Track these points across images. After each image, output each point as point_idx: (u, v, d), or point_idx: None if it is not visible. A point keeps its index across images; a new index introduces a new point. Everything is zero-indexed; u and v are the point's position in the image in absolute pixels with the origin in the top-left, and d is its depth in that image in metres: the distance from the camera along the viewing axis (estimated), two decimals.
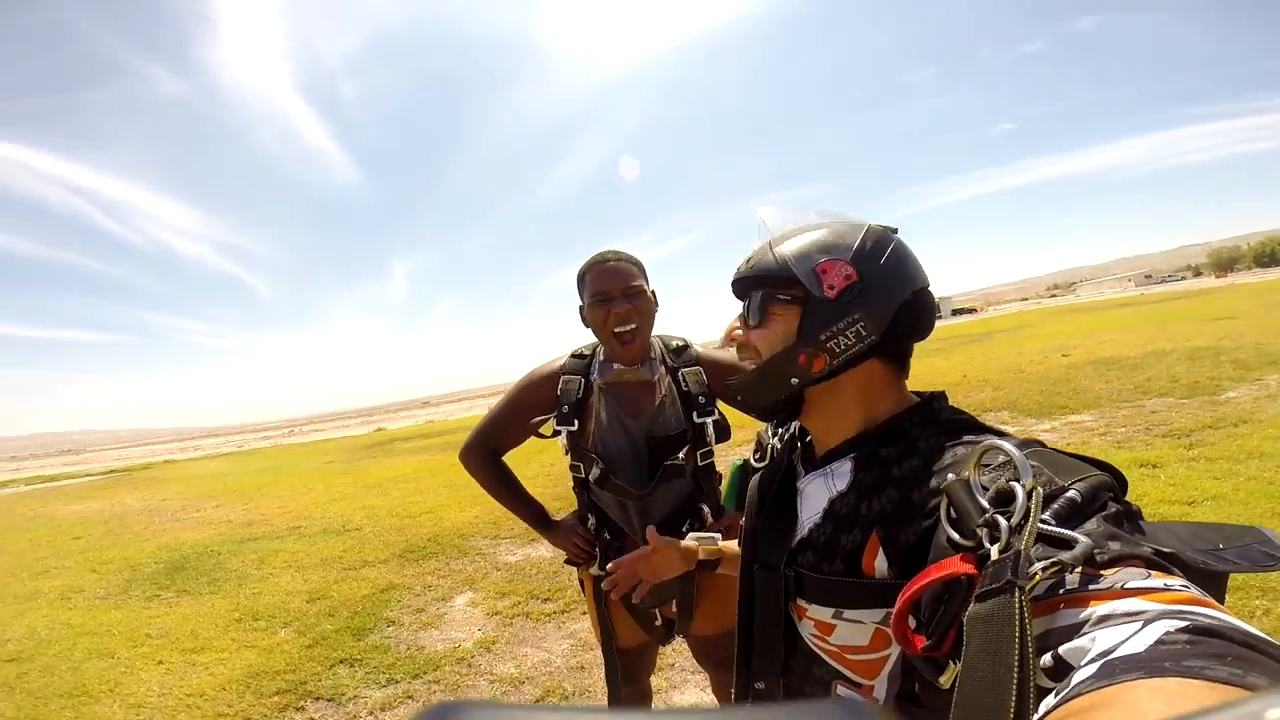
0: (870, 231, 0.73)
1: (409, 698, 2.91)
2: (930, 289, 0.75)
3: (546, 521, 1.68)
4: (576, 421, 1.52)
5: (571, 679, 2.89)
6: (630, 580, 1.18)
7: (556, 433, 1.54)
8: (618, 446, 1.50)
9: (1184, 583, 0.42)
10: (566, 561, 1.66)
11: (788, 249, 0.73)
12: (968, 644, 0.45)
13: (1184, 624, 0.36)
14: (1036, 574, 0.44)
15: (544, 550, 4.88)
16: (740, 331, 0.81)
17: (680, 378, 1.53)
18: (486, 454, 1.68)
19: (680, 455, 1.47)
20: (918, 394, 0.78)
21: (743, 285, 0.79)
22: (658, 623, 1.60)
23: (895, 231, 0.76)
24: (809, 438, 0.83)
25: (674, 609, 1.55)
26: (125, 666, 3.62)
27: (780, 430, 0.89)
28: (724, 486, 1.05)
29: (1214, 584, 0.51)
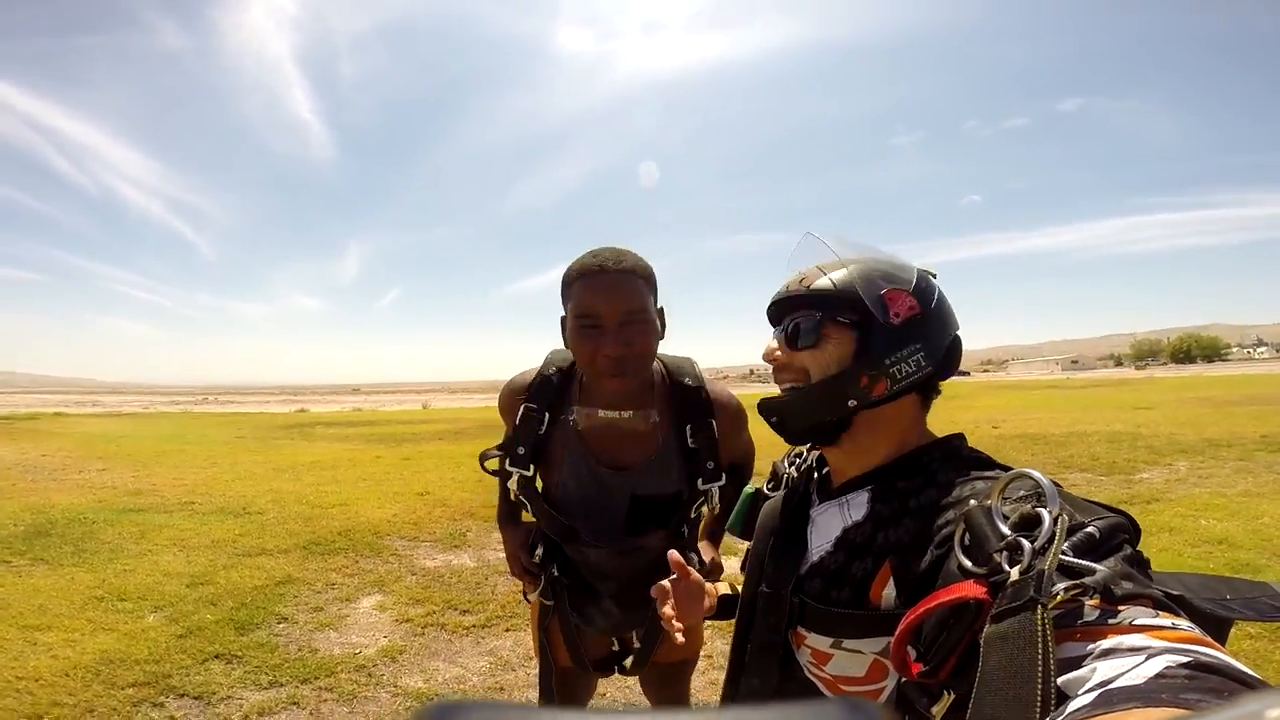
0: (921, 271, 0.77)
1: (293, 703, 2.54)
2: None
3: (509, 520, 1.42)
4: (533, 466, 1.23)
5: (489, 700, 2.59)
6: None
7: (508, 474, 1.24)
8: (587, 499, 1.22)
9: (1190, 624, 0.44)
10: (514, 575, 1.41)
11: (852, 275, 0.74)
12: (984, 662, 0.45)
13: (1186, 659, 0.38)
14: (1059, 594, 0.45)
15: (467, 559, 4.54)
16: (781, 353, 0.79)
17: (686, 432, 1.21)
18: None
19: (671, 520, 1.24)
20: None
21: (793, 305, 0.78)
22: (614, 649, 1.42)
23: (935, 276, 0.79)
24: (826, 468, 0.83)
25: (635, 639, 1.38)
26: None
27: (797, 460, 0.91)
28: (734, 513, 0.99)
29: (1218, 631, 0.54)
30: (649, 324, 1.10)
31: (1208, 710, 0.15)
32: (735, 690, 0.81)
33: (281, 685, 2.68)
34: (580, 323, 1.08)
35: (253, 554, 4.60)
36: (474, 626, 3.33)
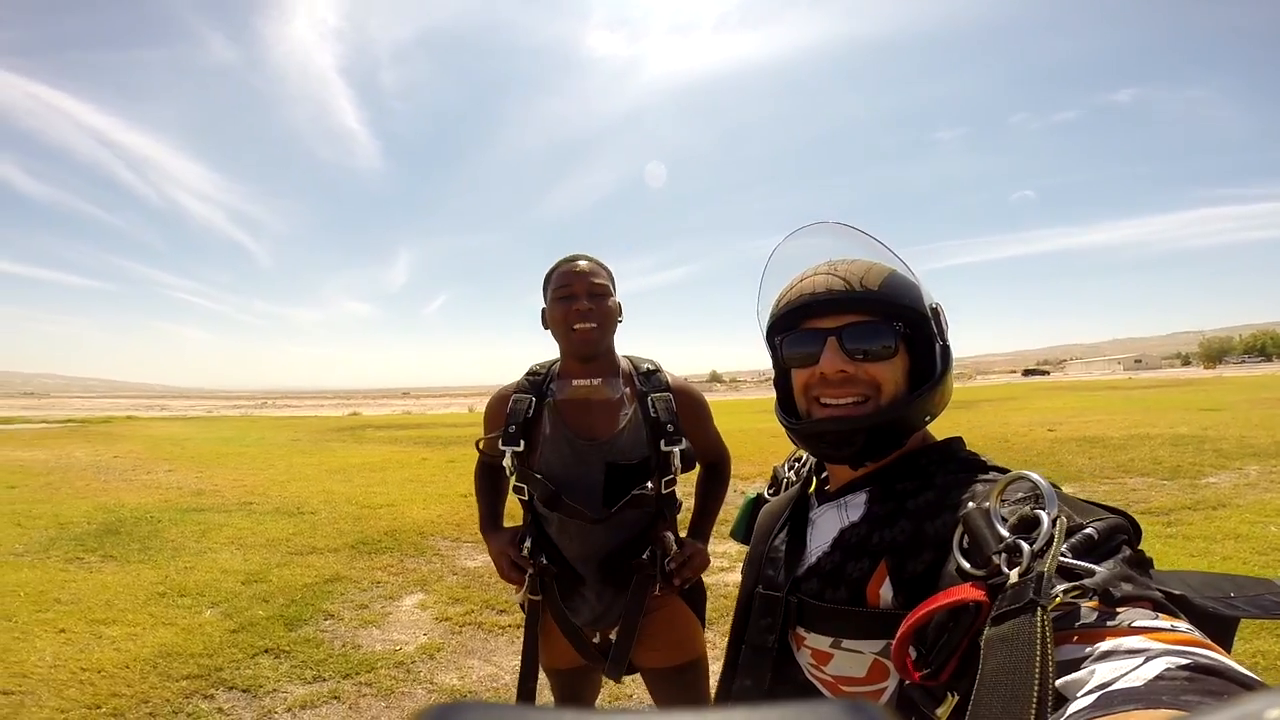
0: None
1: (334, 698, 2.63)
2: None
3: (491, 526, 1.59)
4: (524, 442, 1.43)
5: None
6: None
7: (501, 453, 1.44)
8: (568, 469, 1.41)
9: (1189, 626, 0.43)
10: (502, 576, 1.51)
11: (904, 279, 0.73)
12: (984, 665, 0.44)
13: (1185, 661, 0.37)
14: (1059, 595, 0.45)
15: None
16: (846, 367, 0.71)
17: (649, 403, 1.45)
18: (482, 464, 1.66)
19: (648, 485, 1.39)
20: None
21: (854, 306, 0.72)
22: (596, 641, 1.48)
23: None
24: (825, 473, 0.83)
25: (613, 634, 1.44)
26: (21, 631, 3.28)
27: (797, 464, 0.90)
28: (736, 518, 1.02)
29: (1222, 630, 0.53)
30: (609, 297, 1.44)
31: (1207, 711, 0.15)
32: (728, 691, 0.80)
33: (324, 680, 2.78)
34: (558, 295, 1.41)
35: (304, 553, 4.79)
36: (509, 626, 3.38)
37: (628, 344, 1.60)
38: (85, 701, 2.57)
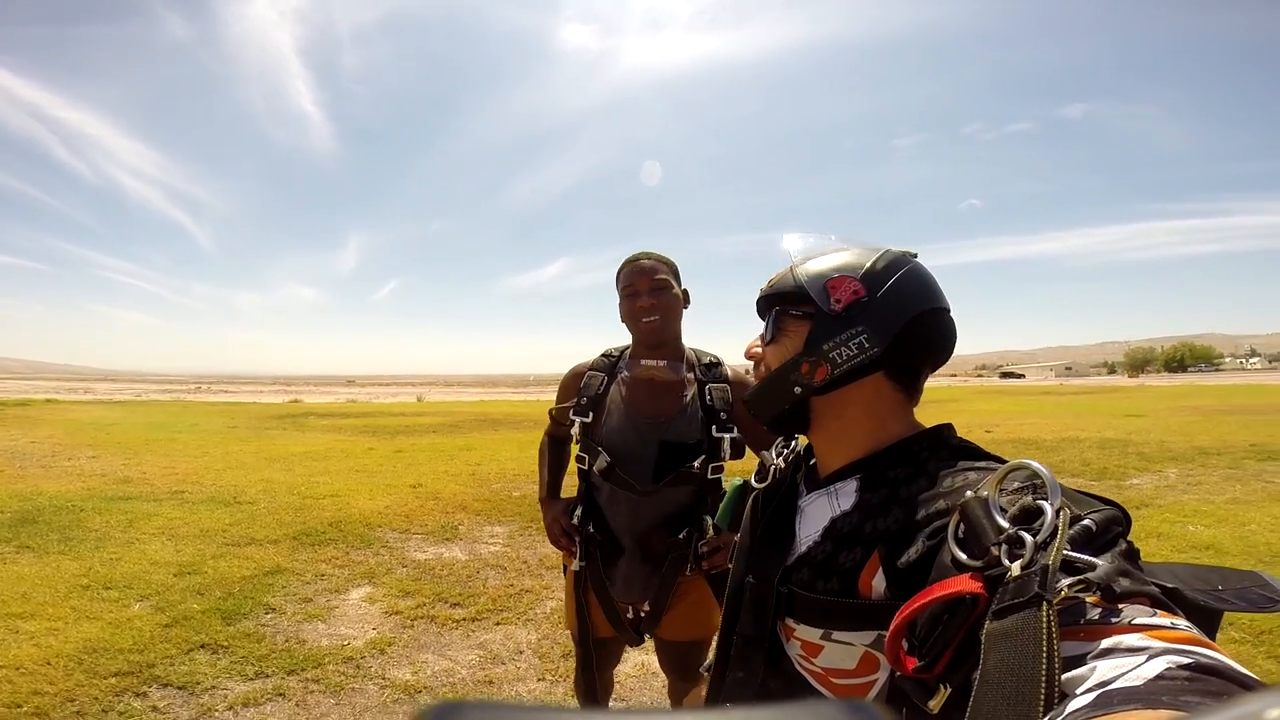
0: (886, 254, 0.76)
1: (279, 694, 2.52)
2: (948, 315, 0.76)
3: (549, 496, 1.77)
4: (592, 414, 1.57)
5: (477, 694, 2.57)
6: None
7: (571, 422, 1.60)
8: (626, 443, 1.53)
9: (1189, 624, 0.43)
10: (552, 542, 1.67)
11: (805, 269, 0.77)
12: (986, 660, 0.44)
13: (1187, 661, 0.37)
14: (1064, 590, 0.45)
15: (459, 552, 4.52)
16: (758, 349, 0.83)
17: (707, 391, 1.57)
18: (547, 437, 1.84)
19: (695, 465, 1.50)
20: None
21: (762, 304, 0.82)
22: (629, 617, 1.63)
23: (914, 256, 0.77)
24: (814, 460, 0.83)
25: (646, 606, 1.60)
26: None
27: (785, 450, 0.91)
28: (721, 505, 1.05)
29: (1207, 621, 0.53)
30: (670, 292, 1.57)
31: (1208, 711, 0.15)
32: (721, 682, 0.79)
33: (267, 676, 2.66)
34: (625, 292, 1.57)
35: (242, 544, 4.57)
36: (464, 620, 3.31)
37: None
38: (3, 700, 2.39)
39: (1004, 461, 0.63)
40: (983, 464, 0.65)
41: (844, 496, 0.73)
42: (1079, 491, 0.57)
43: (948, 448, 0.70)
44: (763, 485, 0.89)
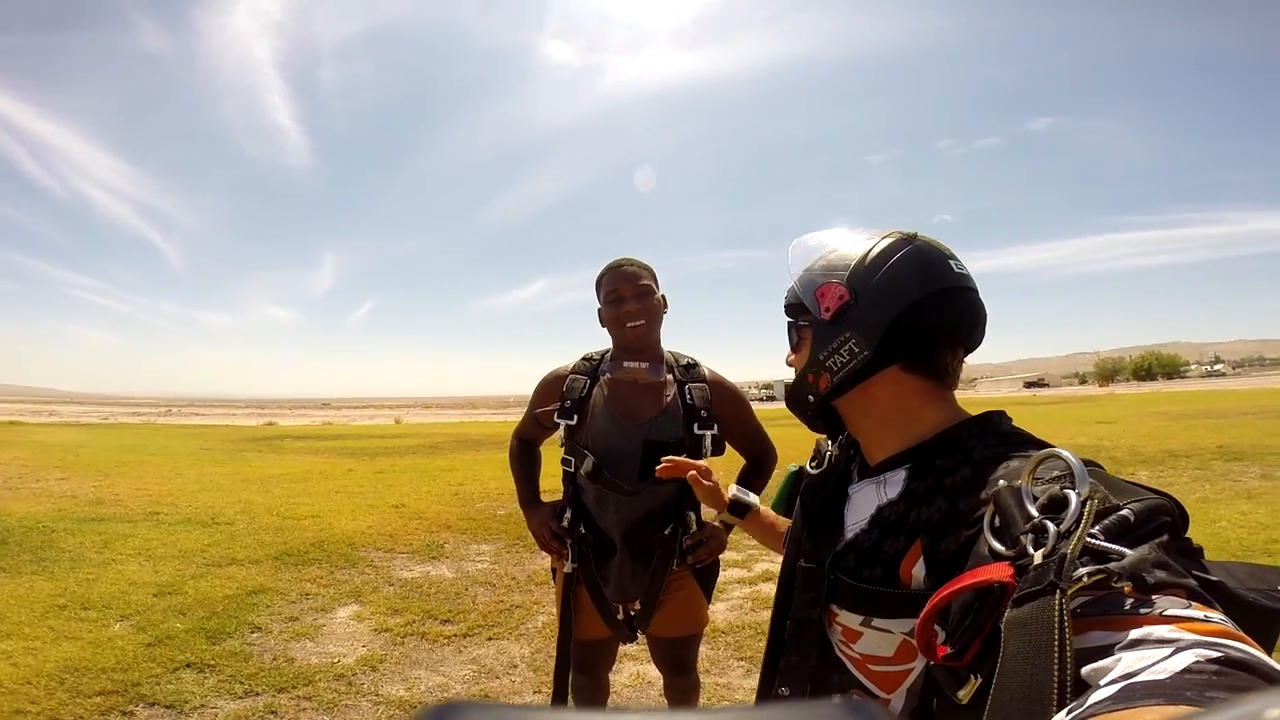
0: (880, 243, 0.74)
1: (271, 712, 2.48)
2: (962, 291, 0.72)
3: (532, 501, 1.77)
4: (576, 417, 1.61)
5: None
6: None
7: (556, 424, 1.64)
8: (612, 444, 1.57)
9: (1223, 617, 0.41)
10: (541, 547, 1.70)
11: (801, 279, 0.79)
12: (1005, 648, 0.43)
13: (1216, 654, 0.36)
14: (1081, 578, 0.43)
15: (445, 570, 4.47)
16: (791, 358, 0.86)
17: (687, 391, 1.62)
18: (518, 441, 1.85)
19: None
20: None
21: (788, 315, 0.85)
22: (620, 617, 1.66)
23: (914, 237, 0.75)
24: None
25: (637, 605, 1.63)
26: None
27: (840, 438, 0.89)
28: (778, 491, 1.05)
29: (1265, 623, 0.50)
30: (653, 295, 1.62)
31: (1209, 710, 0.15)
32: (775, 666, 0.80)
33: (258, 694, 2.61)
34: (610, 298, 1.60)
35: (222, 564, 4.48)
36: (455, 636, 3.28)
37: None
38: None
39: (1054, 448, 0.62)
40: (1026, 452, 0.63)
41: (891, 485, 0.73)
42: (1130, 482, 0.56)
43: (996, 434, 0.69)
44: (818, 471, 0.87)
